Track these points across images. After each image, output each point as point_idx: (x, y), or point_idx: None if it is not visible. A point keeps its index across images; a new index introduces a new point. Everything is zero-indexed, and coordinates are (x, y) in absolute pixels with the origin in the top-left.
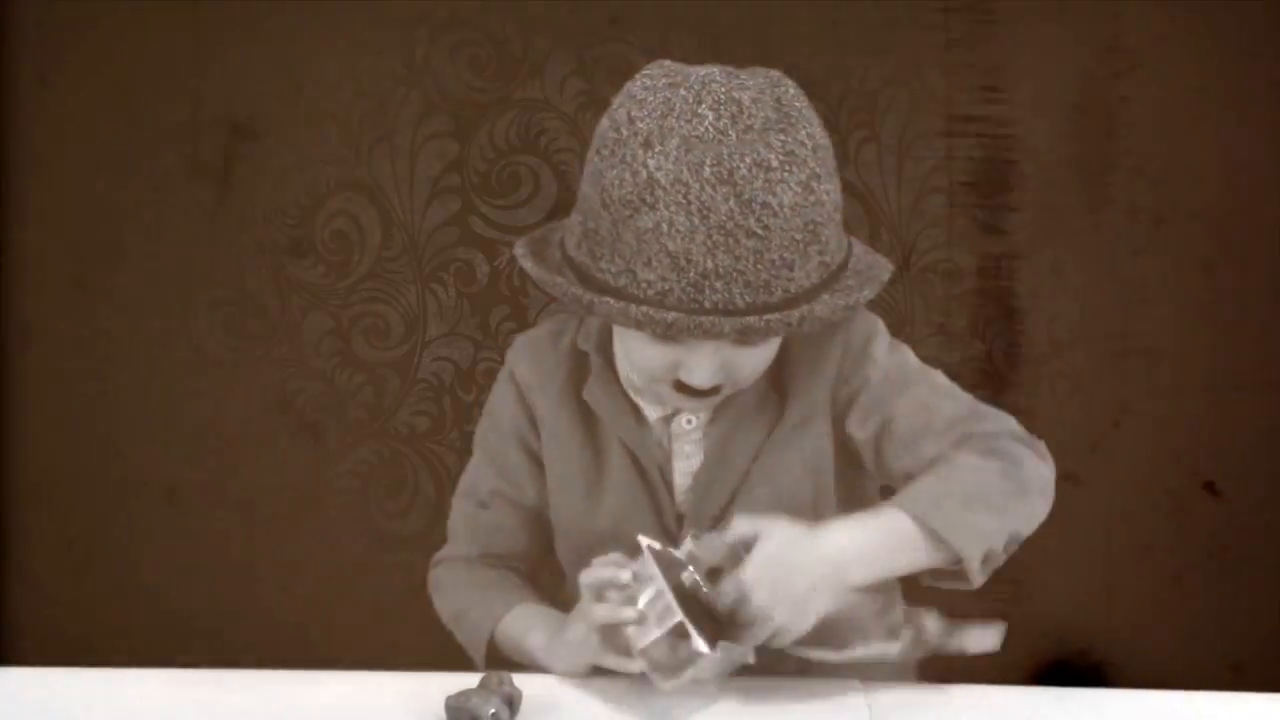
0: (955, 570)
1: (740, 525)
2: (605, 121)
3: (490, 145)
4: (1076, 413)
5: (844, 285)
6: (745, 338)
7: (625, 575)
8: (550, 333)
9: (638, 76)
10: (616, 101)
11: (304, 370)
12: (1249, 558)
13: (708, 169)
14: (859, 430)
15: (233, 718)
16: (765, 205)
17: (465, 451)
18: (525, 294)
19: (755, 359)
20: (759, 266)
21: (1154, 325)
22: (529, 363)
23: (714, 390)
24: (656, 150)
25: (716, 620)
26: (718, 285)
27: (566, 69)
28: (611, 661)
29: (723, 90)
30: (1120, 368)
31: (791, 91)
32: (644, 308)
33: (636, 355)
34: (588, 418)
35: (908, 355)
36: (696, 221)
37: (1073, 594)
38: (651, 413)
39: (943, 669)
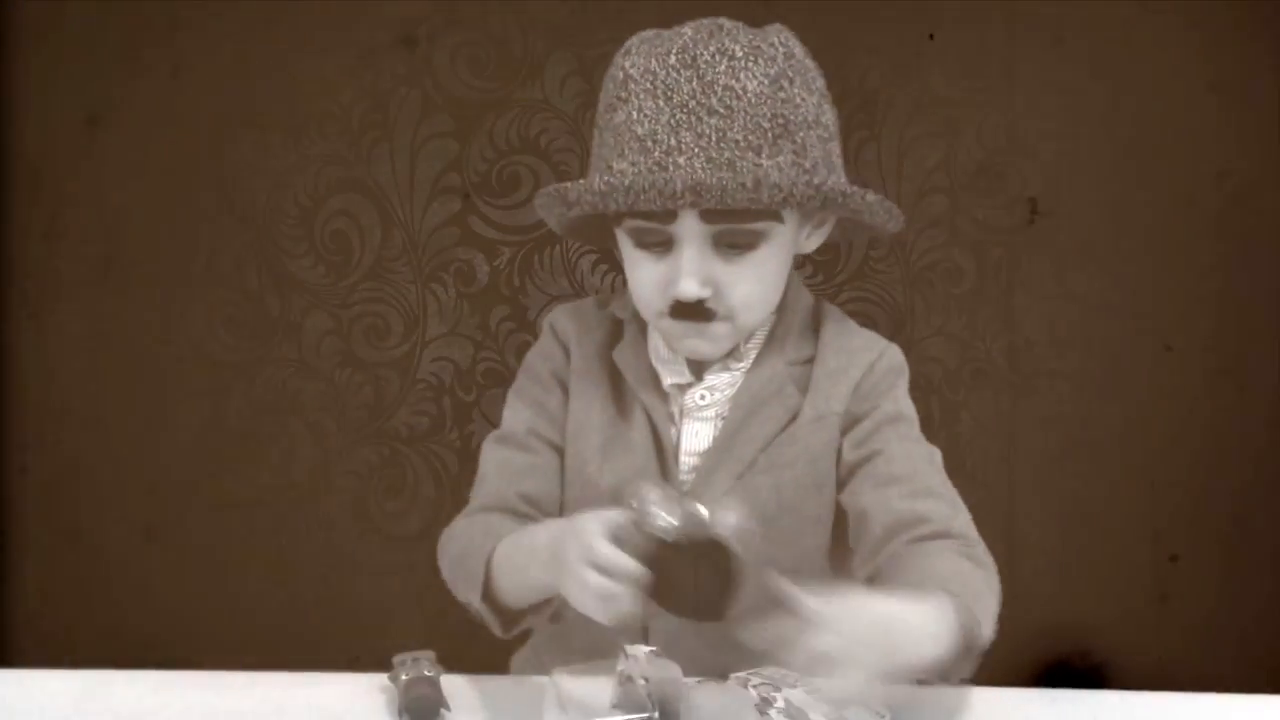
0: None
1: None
2: None
3: (490, 145)
4: (1076, 413)
5: (837, 186)
6: (700, 197)
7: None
8: (595, 301)
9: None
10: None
11: (304, 370)
12: (1249, 558)
13: (673, 56)
14: (849, 451)
15: (232, 718)
16: (728, 88)
17: (465, 451)
18: (525, 294)
19: (744, 276)
20: (722, 145)
21: (1156, 325)
22: (570, 319)
23: (707, 313)
24: (633, 52)
25: None
26: (680, 160)
27: (566, 69)
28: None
29: (708, 21)
30: (1121, 368)
31: (778, 28)
32: (605, 177)
33: (636, 278)
34: (617, 380)
35: (916, 419)
36: (661, 103)
37: (1073, 594)
38: (668, 378)
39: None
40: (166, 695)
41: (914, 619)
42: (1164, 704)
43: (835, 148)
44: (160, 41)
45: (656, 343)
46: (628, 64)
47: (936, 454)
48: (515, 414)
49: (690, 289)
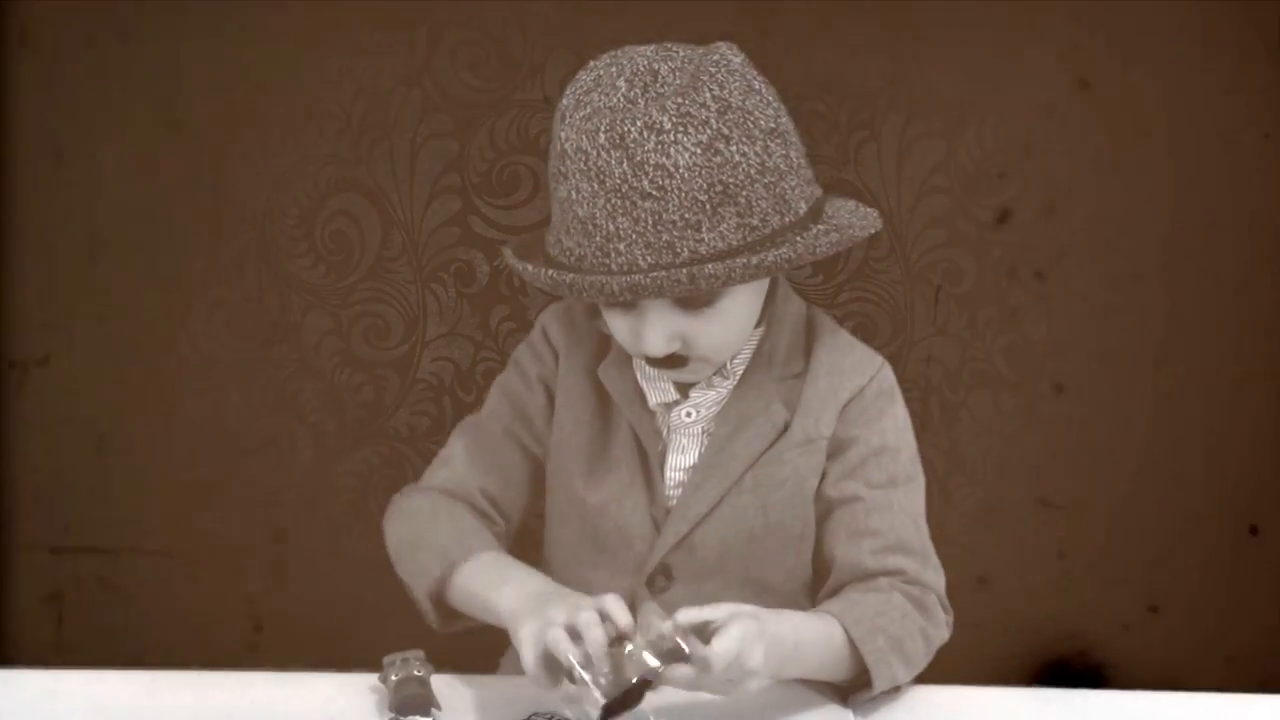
0: (847, 689)
1: (690, 613)
2: None
3: (490, 145)
4: (1076, 413)
5: (776, 247)
6: (638, 295)
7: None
8: (585, 308)
9: (593, 59)
10: None
11: (304, 370)
12: (1249, 558)
13: (602, 135)
14: (830, 487)
15: (232, 718)
16: (659, 166)
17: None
18: (525, 294)
19: (709, 328)
20: (659, 228)
21: (1156, 325)
22: (563, 326)
23: (678, 360)
24: (566, 123)
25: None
26: (620, 248)
27: (566, 69)
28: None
29: (645, 62)
30: (1121, 368)
31: (718, 57)
32: (550, 270)
33: (612, 328)
34: (602, 394)
35: (907, 441)
36: (596, 186)
37: (1073, 594)
38: (654, 398)
39: (943, 669)
40: (163, 695)
41: (795, 629)
42: (1163, 704)
43: (791, 175)
44: (160, 41)
45: (641, 360)
46: (563, 136)
47: (916, 487)
48: (496, 408)
49: (656, 348)
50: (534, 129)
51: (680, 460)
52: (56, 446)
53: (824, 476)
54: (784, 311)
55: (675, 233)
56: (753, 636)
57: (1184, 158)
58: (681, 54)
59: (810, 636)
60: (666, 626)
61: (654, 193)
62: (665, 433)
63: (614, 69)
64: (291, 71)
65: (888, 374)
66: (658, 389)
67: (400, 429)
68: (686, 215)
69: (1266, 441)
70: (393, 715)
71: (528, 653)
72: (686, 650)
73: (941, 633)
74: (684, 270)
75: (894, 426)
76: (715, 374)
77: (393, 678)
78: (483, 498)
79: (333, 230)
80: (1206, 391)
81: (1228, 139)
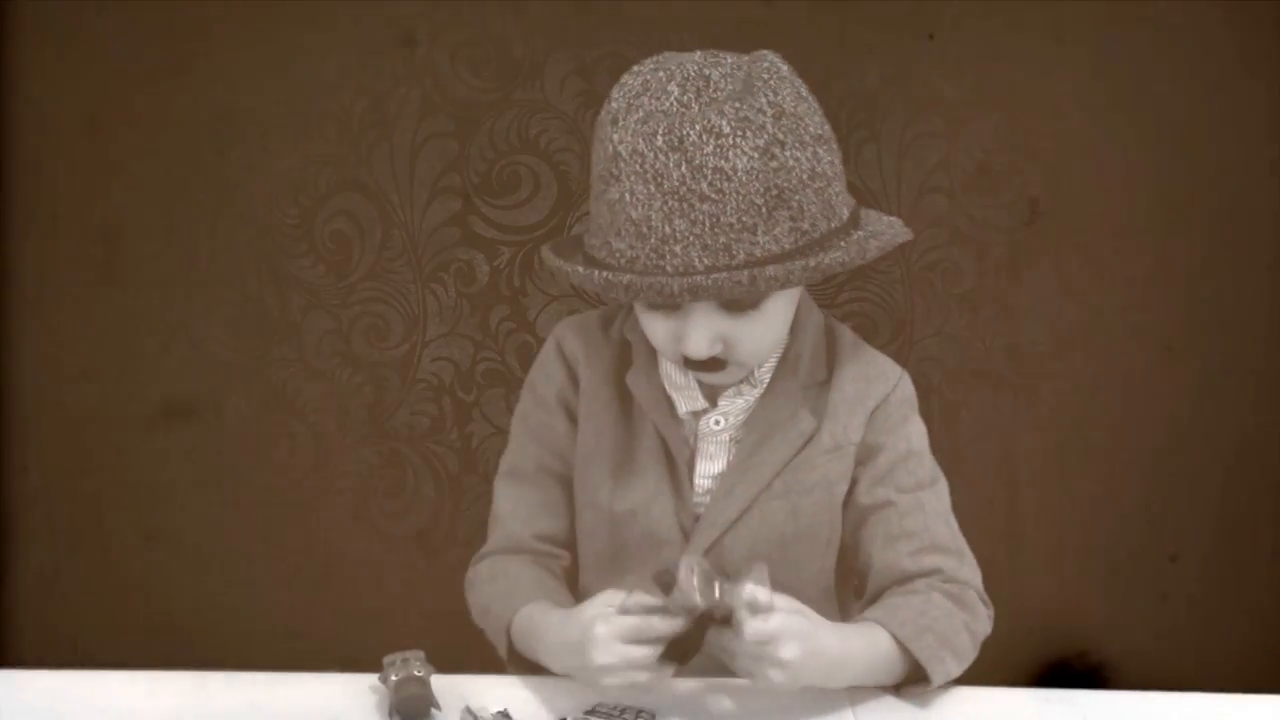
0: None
1: (756, 589)
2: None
3: (490, 145)
4: (1076, 413)
5: (827, 251)
6: (697, 296)
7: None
8: (600, 318)
9: (636, 64)
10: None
11: (304, 370)
12: (1250, 558)
13: (660, 138)
14: (863, 494)
15: (232, 718)
16: (717, 170)
17: (465, 451)
18: (525, 294)
19: (753, 331)
20: (716, 230)
21: (1156, 325)
22: (578, 338)
23: (718, 364)
24: (620, 125)
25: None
26: (676, 249)
27: (566, 69)
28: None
29: (695, 68)
30: (1121, 368)
31: (768, 64)
32: (604, 272)
33: (648, 329)
34: (626, 402)
35: (927, 448)
36: (653, 189)
37: (1073, 594)
38: (683, 406)
39: None
40: (162, 695)
41: (844, 640)
42: (1163, 704)
43: (836, 182)
44: (160, 42)
45: (668, 368)
46: (616, 138)
47: (943, 488)
48: (522, 447)
49: (699, 350)
50: (534, 129)
51: (709, 467)
52: (58, 446)
53: (854, 484)
54: (807, 320)
55: (732, 235)
56: (794, 633)
57: (1185, 158)
58: (730, 60)
59: (858, 648)
60: (715, 579)
61: (712, 195)
62: (692, 440)
63: (662, 74)
64: (291, 71)
65: (908, 383)
66: (687, 397)
67: (400, 429)
68: (743, 218)
69: (1268, 442)
70: (396, 716)
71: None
72: (725, 605)
73: (984, 625)
74: (745, 272)
75: (917, 432)
76: (743, 382)
77: (393, 678)
78: (539, 542)
79: (333, 230)
80: (1215, 390)
81: (1229, 139)
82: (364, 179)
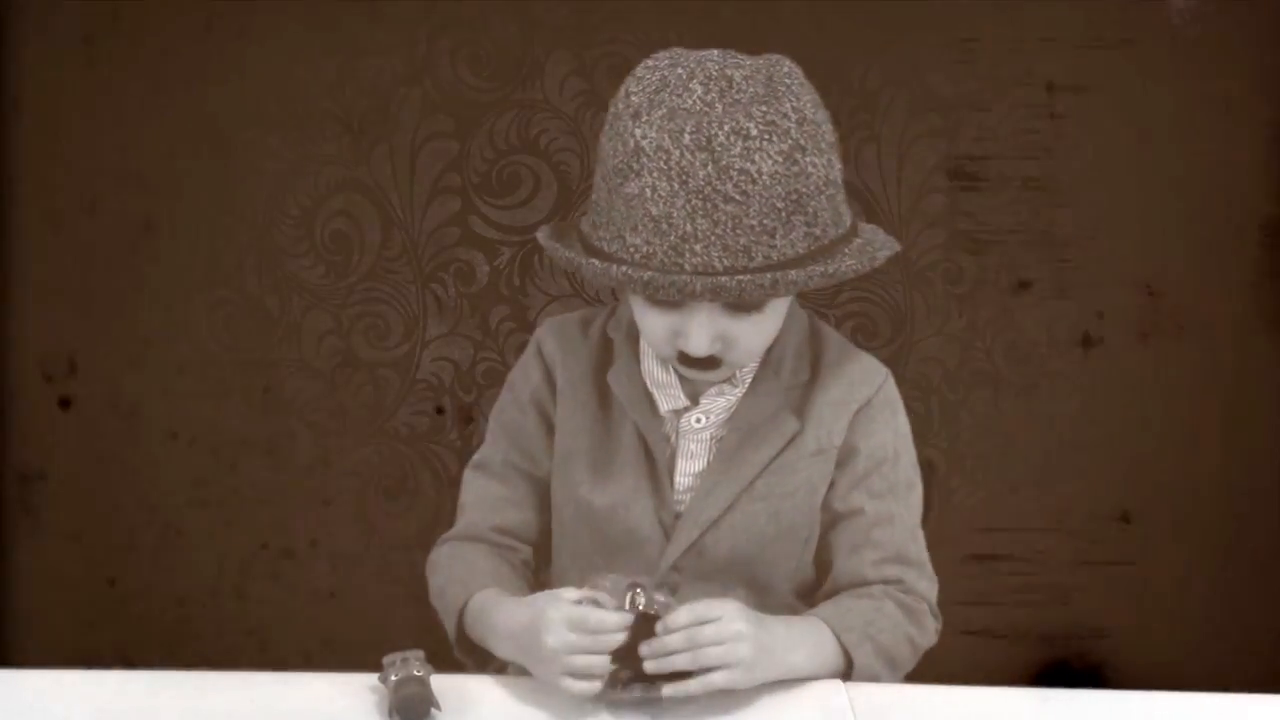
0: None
1: (698, 605)
2: (611, 102)
3: (490, 145)
4: (1076, 413)
5: (838, 257)
6: (718, 297)
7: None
8: (581, 318)
9: (647, 59)
10: (624, 82)
11: (304, 370)
12: (1250, 558)
13: (687, 136)
14: (837, 500)
15: (232, 718)
16: (743, 172)
17: (465, 451)
18: (525, 294)
19: (752, 332)
20: (737, 231)
21: (1156, 326)
22: (557, 339)
23: (714, 362)
24: (643, 120)
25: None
26: (697, 248)
27: (566, 69)
28: (568, 688)
29: (716, 68)
30: (1121, 368)
31: (787, 69)
32: (624, 267)
33: (644, 325)
34: (606, 400)
35: (908, 450)
36: (676, 186)
37: (1073, 594)
38: (664, 404)
39: (944, 669)
40: (162, 695)
41: (796, 640)
42: (1162, 704)
43: (842, 190)
44: (160, 41)
45: (650, 365)
46: (639, 133)
47: (916, 497)
48: (494, 442)
49: (700, 348)
50: (534, 129)
51: (690, 465)
52: (58, 446)
53: (831, 485)
54: (791, 320)
55: (752, 237)
56: (743, 634)
57: (1187, 156)
58: (749, 62)
59: (804, 643)
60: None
61: (737, 197)
62: (674, 438)
63: (681, 70)
64: (291, 71)
65: (892, 384)
66: (668, 395)
67: (400, 429)
68: (765, 221)
69: (1269, 442)
70: (396, 716)
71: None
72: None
73: (928, 639)
74: (767, 275)
75: (895, 435)
76: (725, 381)
77: (393, 678)
78: (498, 534)
79: (333, 230)
80: (1215, 390)
81: (1231, 139)
82: (364, 179)
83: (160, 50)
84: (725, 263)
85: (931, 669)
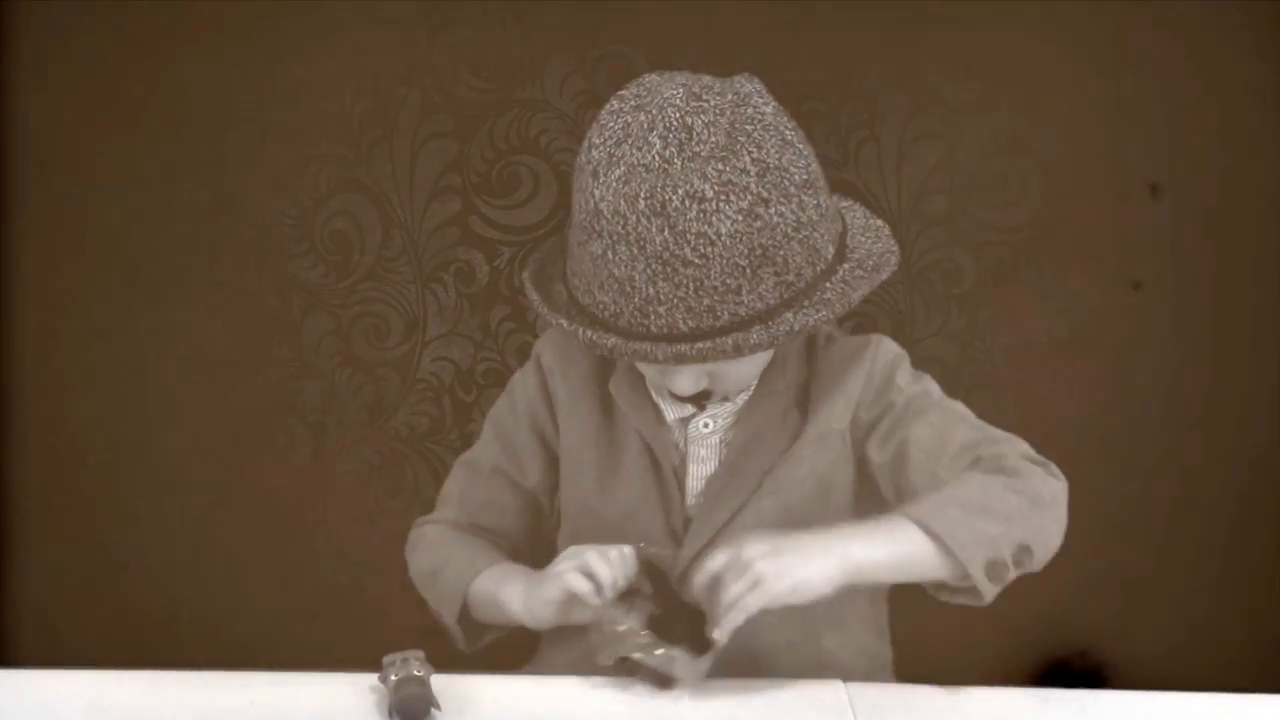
0: (966, 586)
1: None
2: (580, 148)
3: (490, 145)
4: (1076, 413)
5: (814, 300)
6: (682, 362)
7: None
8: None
9: (615, 97)
10: (591, 127)
11: (304, 370)
12: (1250, 558)
13: (642, 201)
14: (877, 454)
15: (232, 718)
16: (701, 235)
17: (465, 451)
18: (525, 294)
19: (739, 367)
20: (700, 293)
21: (1156, 326)
22: (556, 350)
23: (705, 395)
24: (601, 180)
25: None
26: (660, 310)
27: (566, 69)
28: (575, 617)
29: (676, 116)
30: (1121, 368)
31: (752, 111)
32: (589, 331)
33: (638, 365)
34: (608, 410)
35: (930, 384)
36: (635, 251)
37: (1073, 594)
38: (670, 414)
39: (943, 669)
40: (162, 695)
41: (856, 535)
42: (1163, 704)
43: (822, 224)
44: (160, 41)
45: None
46: (597, 195)
47: (955, 404)
48: (486, 443)
49: (685, 390)
50: (534, 129)
51: (701, 470)
52: (57, 446)
53: (867, 460)
54: None
55: (716, 298)
56: (752, 541)
57: (1186, 159)
58: (713, 104)
59: (850, 535)
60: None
61: (696, 260)
62: (683, 444)
63: (643, 117)
64: (291, 71)
65: (886, 347)
66: (673, 405)
67: (400, 429)
68: (727, 280)
69: (1269, 441)
70: (396, 716)
71: (550, 610)
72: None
73: (1037, 483)
74: (729, 339)
75: (907, 381)
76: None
77: (393, 678)
78: (480, 530)
79: (333, 230)
80: (1215, 390)
81: (1235, 138)
82: (364, 179)
83: (160, 50)
84: (689, 324)
85: (931, 668)
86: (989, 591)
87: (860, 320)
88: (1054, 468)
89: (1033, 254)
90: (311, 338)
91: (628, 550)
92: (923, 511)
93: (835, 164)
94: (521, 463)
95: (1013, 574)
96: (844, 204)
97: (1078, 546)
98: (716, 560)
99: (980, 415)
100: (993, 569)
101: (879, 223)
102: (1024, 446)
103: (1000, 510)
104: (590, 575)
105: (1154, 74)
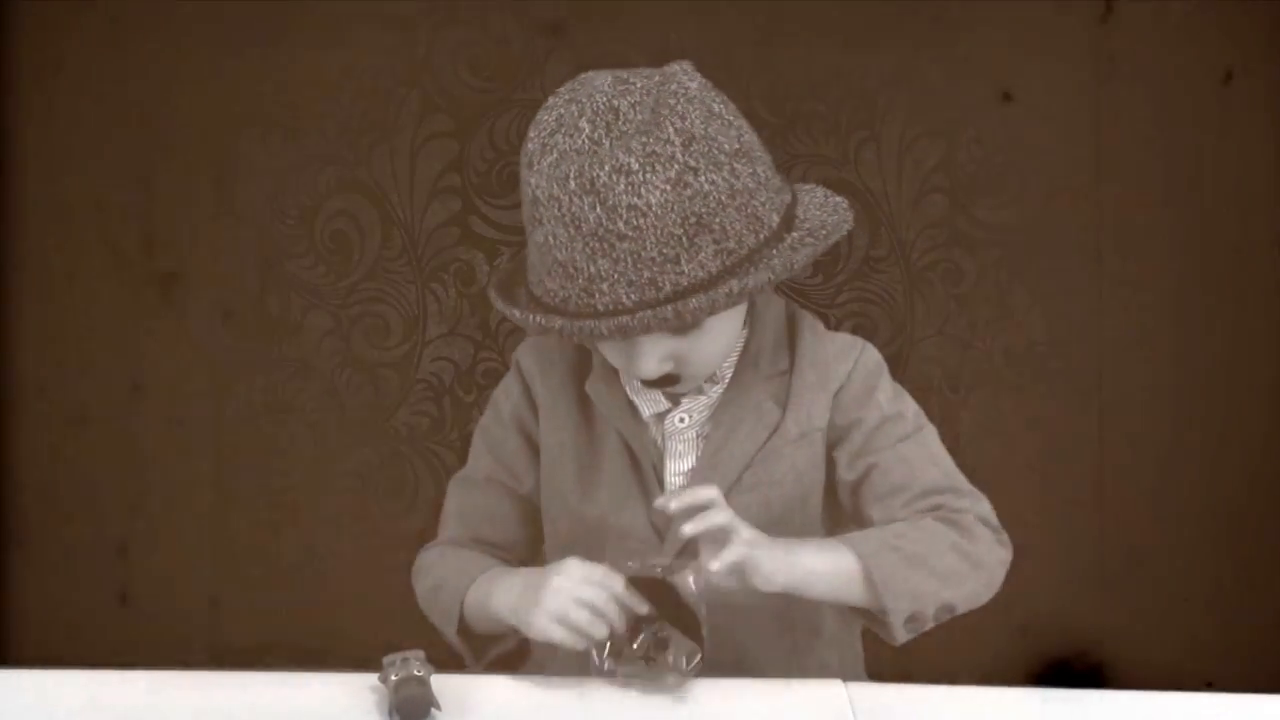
0: (883, 621)
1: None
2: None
3: (490, 145)
4: (1076, 413)
5: (759, 267)
6: (628, 335)
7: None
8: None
9: (552, 94)
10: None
11: (304, 370)
12: (1250, 558)
13: (572, 181)
14: (844, 469)
15: (232, 718)
16: (631, 208)
17: (465, 451)
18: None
19: (701, 346)
20: (639, 266)
21: (1156, 325)
22: (533, 355)
23: (671, 379)
24: (535, 169)
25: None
26: (604, 288)
27: (566, 69)
28: (559, 635)
29: (604, 100)
30: (1121, 368)
31: (676, 86)
32: (537, 316)
33: (605, 352)
34: (587, 409)
35: (907, 405)
36: (572, 232)
37: (1073, 594)
38: (646, 410)
39: (943, 669)
40: (162, 695)
41: (805, 551)
42: (1163, 704)
43: (760, 191)
44: (160, 41)
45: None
46: (533, 183)
47: (927, 435)
48: (478, 456)
49: (650, 372)
50: None
51: (679, 465)
52: (57, 446)
53: (834, 466)
54: (765, 312)
55: (655, 269)
56: (744, 523)
57: (1188, 158)
58: (639, 85)
59: (805, 544)
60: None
61: (630, 234)
62: (661, 440)
63: (574, 107)
64: (291, 71)
65: (871, 354)
66: (649, 400)
67: (400, 429)
68: (664, 250)
69: (1269, 441)
70: (396, 716)
71: (555, 636)
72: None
73: (984, 549)
74: (669, 307)
75: (887, 398)
76: (704, 379)
77: (393, 678)
78: (480, 546)
79: (333, 230)
80: (1215, 389)
81: (1234, 137)
82: (364, 179)
83: (161, 50)
84: (633, 298)
85: (931, 668)
86: (901, 638)
87: (861, 321)
88: (1005, 536)
89: (1032, 254)
90: (311, 338)
91: (613, 579)
92: (868, 548)
93: (835, 164)
94: (514, 469)
95: (929, 626)
96: (804, 187)
97: (1077, 547)
98: (700, 493)
99: (980, 415)
100: (912, 621)
101: (839, 199)
102: (986, 508)
103: (939, 570)
104: (568, 624)
105: (1154, 74)
